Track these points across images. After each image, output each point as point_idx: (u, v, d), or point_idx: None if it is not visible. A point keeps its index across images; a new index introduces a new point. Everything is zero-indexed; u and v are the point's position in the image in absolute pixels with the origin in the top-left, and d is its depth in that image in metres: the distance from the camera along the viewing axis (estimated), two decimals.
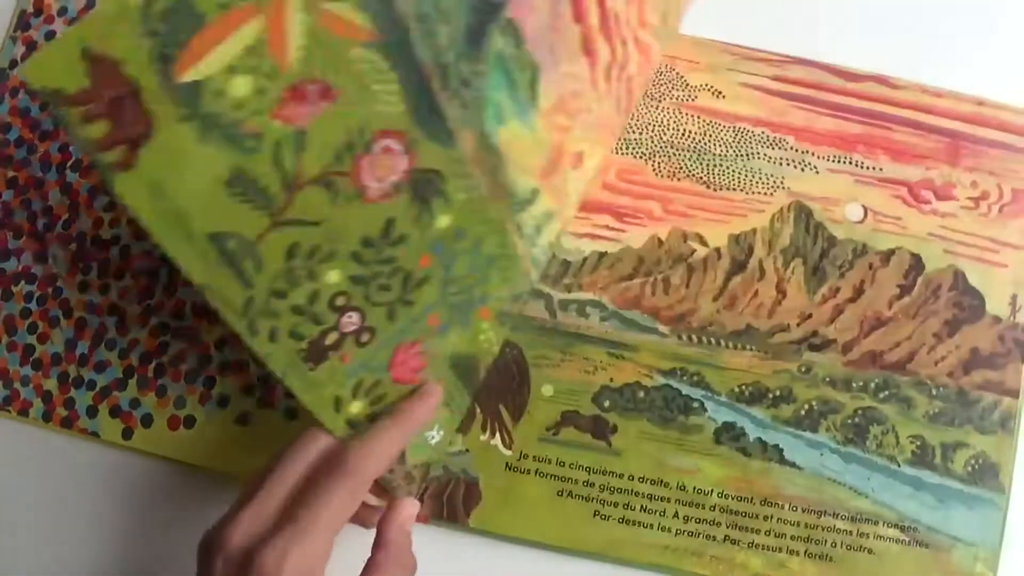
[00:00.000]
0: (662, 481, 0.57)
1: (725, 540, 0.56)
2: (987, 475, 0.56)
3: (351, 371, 0.48)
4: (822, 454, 0.56)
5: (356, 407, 0.49)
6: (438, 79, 0.44)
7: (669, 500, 0.56)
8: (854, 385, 0.57)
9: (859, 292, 0.58)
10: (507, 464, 0.57)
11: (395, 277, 0.47)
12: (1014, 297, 0.58)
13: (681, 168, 0.59)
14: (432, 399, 0.52)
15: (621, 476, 0.57)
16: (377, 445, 0.48)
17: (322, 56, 0.40)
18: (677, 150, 0.60)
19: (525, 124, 0.50)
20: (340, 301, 0.46)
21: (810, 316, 0.58)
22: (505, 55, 0.46)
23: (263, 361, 0.45)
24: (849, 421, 0.57)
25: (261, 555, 0.44)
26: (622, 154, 0.60)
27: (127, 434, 0.59)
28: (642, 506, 0.56)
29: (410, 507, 0.51)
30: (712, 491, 0.56)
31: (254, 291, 0.42)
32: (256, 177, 0.40)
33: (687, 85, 0.60)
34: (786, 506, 0.56)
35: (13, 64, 0.65)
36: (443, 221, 0.47)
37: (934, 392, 0.57)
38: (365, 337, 0.47)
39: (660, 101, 0.60)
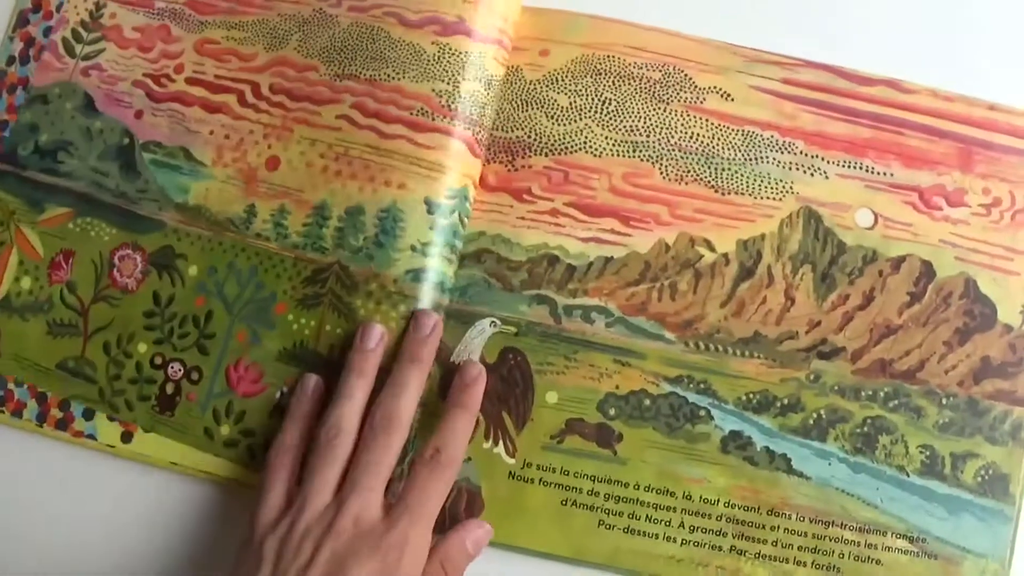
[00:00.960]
0: (668, 490, 0.56)
1: (731, 550, 0.55)
2: (997, 486, 0.55)
3: (202, 404, 0.59)
4: (830, 464, 0.56)
5: (225, 429, 0.59)
6: (125, 203, 0.62)
7: (675, 509, 0.56)
8: (863, 394, 0.56)
9: (869, 299, 0.57)
10: (510, 473, 0.57)
11: (186, 324, 0.60)
12: None
13: (689, 172, 0.58)
14: (482, 380, 0.57)
15: (626, 485, 0.56)
16: (460, 432, 0.55)
17: (54, 241, 0.62)
18: (685, 153, 0.59)
19: (204, 179, 0.62)
20: (158, 360, 0.60)
21: (819, 323, 0.57)
22: (158, 160, 0.62)
23: (137, 425, 0.59)
24: (858, 431, 0.56)
25: (388, 535, 0.50)
26: (629, 157, 0.59)
27: (126, 438, 0.59)
28: (648, 515, 0.56)
29: (479, 530, 0.55)
30: (719, 500, 0.56)
31: (100, 384, 0.60)
32: (61, 319, 0.61)
33: (696, 87, 0.59)
34: (793, 516, 0.55)
35: (11, 61, 0.65)
36: (192, 270, 0.61)
37: (944, 401, 0.56)
38: (195, 375, 0.59)
39: (668, 104, 0.59)
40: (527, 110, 0.60)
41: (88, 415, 0.59)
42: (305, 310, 0.58)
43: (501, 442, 0.57)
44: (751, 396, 0.57)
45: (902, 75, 0.59)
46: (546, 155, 0.59)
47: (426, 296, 0.57)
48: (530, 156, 0.59)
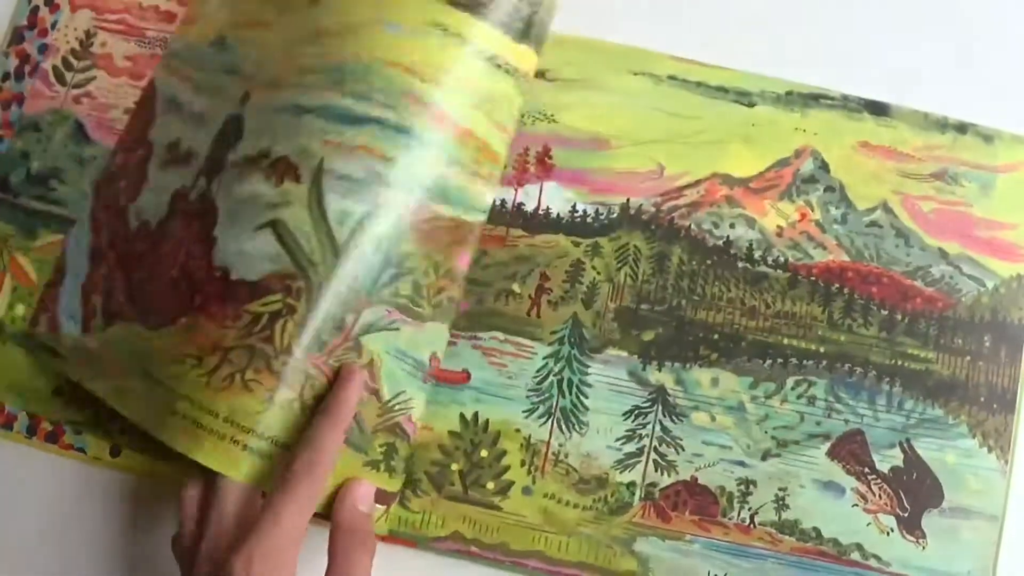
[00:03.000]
0: None
1: None
2: None
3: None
4: None
5: None
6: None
7: None
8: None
9: None
10: None
11: None
12: None
13: None
14: (352, 380, 0.54)
15: None
16: (317, 444, 0.51)
17: (48, 267, 0.63)
18: None
19: None
20: None
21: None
22: None
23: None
24: None
25: (229, 564, 0.48)
26: None
27: (115, 451, 0.59)
28: None
29: (359, 487, 0.54)
30: None
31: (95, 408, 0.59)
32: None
33: None
34: None
35: (6, 77, 0.66)
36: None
37: None
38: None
39: None
40: None
41: (78, 428, 0.60)
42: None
43: None
44: None
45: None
46: None
47: None
48: None
